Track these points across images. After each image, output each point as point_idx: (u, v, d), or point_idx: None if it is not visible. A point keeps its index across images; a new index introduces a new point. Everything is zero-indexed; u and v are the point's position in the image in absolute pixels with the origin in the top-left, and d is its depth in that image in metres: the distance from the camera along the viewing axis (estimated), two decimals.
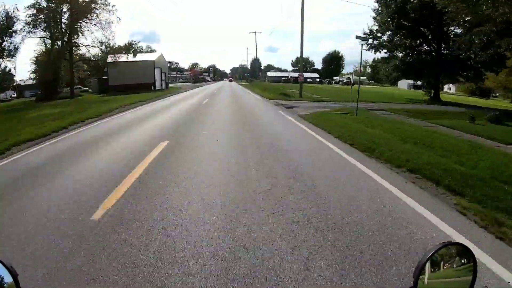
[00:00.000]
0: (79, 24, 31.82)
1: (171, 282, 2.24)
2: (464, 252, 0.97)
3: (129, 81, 36.22)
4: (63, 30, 31.91)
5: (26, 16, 29.43)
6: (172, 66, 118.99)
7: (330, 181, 4.46)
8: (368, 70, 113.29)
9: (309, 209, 3.48)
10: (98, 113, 13.31)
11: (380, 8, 26.20)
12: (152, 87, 37.38)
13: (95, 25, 30.69)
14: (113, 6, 31.05)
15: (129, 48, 59.79)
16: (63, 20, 31.62)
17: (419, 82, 62.42)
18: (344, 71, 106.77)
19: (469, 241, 2.78)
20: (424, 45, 27.77)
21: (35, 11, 29.62)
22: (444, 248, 0.95)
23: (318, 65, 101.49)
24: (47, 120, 12.21)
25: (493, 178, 4.63)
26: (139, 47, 71.16)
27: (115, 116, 12.74)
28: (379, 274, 2.34)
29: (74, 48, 33.98)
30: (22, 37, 30.65)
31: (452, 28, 26.46)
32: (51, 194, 4.09)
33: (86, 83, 52.26)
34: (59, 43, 32.57)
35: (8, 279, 0.84)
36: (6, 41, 30.65)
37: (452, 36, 25.98)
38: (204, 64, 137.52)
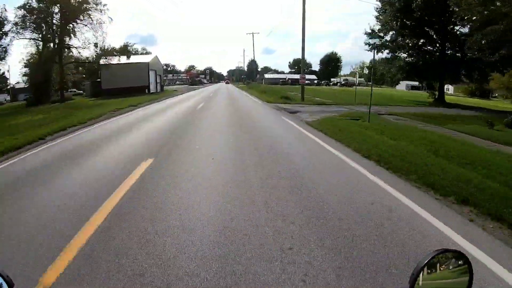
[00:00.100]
0: (71, 25, 30.59)
1: None
2: (461, 259, 0.96)
3: (123, 84, 34.98)
4: (54, 31, 30.62)
5: (15, 17, 28.19)
6: (169, 69, 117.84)
7: (373, 229, 3.14)
8: (365, 71, 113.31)
9: None
10: (83, 120, 12.10)
11: (383, 7, 25.27)
12: (147, 90, 36.14)
13: (86, 25, 29.37)
14: (104, 5, 29.80)
15: (124, 50, 58.67)
16: (54, 21, 30.40)
17: (417, 83, 62.00)
18: (341, 73, 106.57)
19: None
20: (428, 45, 26.88)
21: (25, 12, 28.47)
22: (440, 255, 0.94)
23: (316, 67, 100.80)
24: (28, 127, 11.05)
25: None
26: (135, 49, 70.08)
27: (100, 124, 11.53)
28: None
29: (66, 50, 32.76)
30: (10, 38, 29.33)
31: (457, 28, 25.72)
32: None
33: (81, 86, 50.95)
34: (51, 45, 31.40)
35: None
36: None
37: (459, 36, 25.04)
38: (200, 67, 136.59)
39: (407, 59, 27.05)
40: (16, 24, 28.38)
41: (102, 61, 32.24)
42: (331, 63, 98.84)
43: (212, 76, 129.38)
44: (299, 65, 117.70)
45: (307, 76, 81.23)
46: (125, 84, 34.96)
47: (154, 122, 11.58)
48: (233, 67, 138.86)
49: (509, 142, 8.81)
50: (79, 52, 32.39)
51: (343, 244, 2.84)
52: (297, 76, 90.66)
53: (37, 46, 31.81)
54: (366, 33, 28.16)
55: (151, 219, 3.37)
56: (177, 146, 6.95)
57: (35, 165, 5.98)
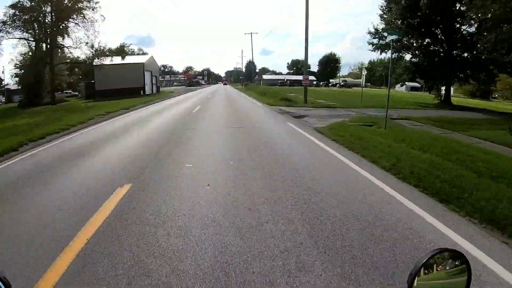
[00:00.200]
0: (63, 24, 29.32)
1: None
2: (458, 258, 0.95)
3: (117, 85, 33.75)
4: (46, 31, 29.33)
5: (3, 15, 26.96)
6: (166, 70, 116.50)
7: None
8: (364, 72, 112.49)
9: None
10: (67, 125, 10.92)
11: (388, 5, 24.26)
12: (142, 92, 34.89)
13: (77, 24, 28.12)
14: (96, 2, 28.57)
15: (121, 50, 57.48)
16: (46, 20, 29.15)
17: (416, 84, 61.07)
18: (340, 74, 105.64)
19: None
20: (434, 45, 25.88)
21: (16, 11, 27.23)
22: (438, 254, 0.93)
23: (314, 68, 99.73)
24: (7, 135, 9.84)
25: None
26: (131, 49, 68.87)
27: (85, 130, 10.33)
28: None
29: (58, 50, 31.47)
30: None
31: (464, 27, 24.77)
32: None
33: (77, 87, 49.58)
34: (43, 45, 30.12)
35: None
36: None
37: (466, 36, 24.08)
38: (200, 67, 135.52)
39: (412, 60, 26.06)
40: (4, 23, 27.08)
41: (95, 62, 30.97)
42: (330, 64, 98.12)
43: (210, 77, 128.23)
44: (297, 66, 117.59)
45: None
46: (119, 85, 33.72)
47: (144, 129, 10.37)
48: (231, 68, 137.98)
49: None
50: (71, 52, 31.15)
51: None
52: (295, 77, 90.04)
53: (29, 45, 30.58)
54: (369, 33, 27.17)
55: None
56: (164, 166, 5.59)
57: (14, 175, 5.45)
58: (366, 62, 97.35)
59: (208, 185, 4.52)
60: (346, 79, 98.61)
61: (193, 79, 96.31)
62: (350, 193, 4.24)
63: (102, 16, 31.65)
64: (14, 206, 3.95)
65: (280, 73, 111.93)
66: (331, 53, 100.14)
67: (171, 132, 9.16)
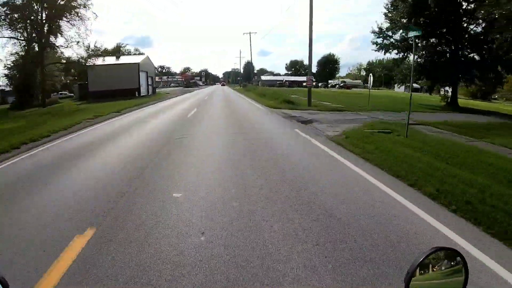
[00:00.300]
0: (57, 22, 28.05)
1: None
2: (456, 256, 0.95)
3: (111, 86, 32.52)
4: (39, 30, 28.03)
5: None
6: (164, 71, 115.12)
7: None
8: (363, 73, 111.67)
9: None
10: (47, 132, 9.72)
11: (394, 3, 23.23)
12: (137, 93, 33.63)
13: (69, 21, 26.87)
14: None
15: (117, 51, 56.15)
16: (38, 18, 27.87)
17: (416, 85, 60.28)
18: (338, 74, 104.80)
19: None
20: (441, 45, 24.90)
21: (6, 9, 25.98)
22: (435, 253, 0.93)
23: (313, 68, 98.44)
24: None
25: None
26: (127, 49, 67.52)
27: (64, 139, 9.09)
28: None
29: (50, 49, 30.12)
30: None
31: (471, 27, 23.83)
32: None
33: (73, 88, 48.18)
34: (35, 45, 28.82)
35: None
36: None
37: (473, 35, 23.12)
38: (200, 67, 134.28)
39: (418, 60, 25.04)
40: None
41: (88, 62, 29.66)
42: (329, 64, 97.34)
43: (207, 78, 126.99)
44: (296, 66, 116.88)
45: (304, 78, 79.43)
46: (113, 86, 32.50)
47: (128, 140, 8.89)
48: (229, 69, 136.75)
49: None
50: (62, 52, 29.89)
51: None
52: (294, 78, 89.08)
53: (20, 45, 29.30)
54: (373, 32, 26.17)
55: None
56: (144, 197, 4.21)
57: None
58: (364, 63, 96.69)
59: (203, 233, 3.22)
60: (345, 80, 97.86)
61: (191, 80, 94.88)
62: (381, 227, 3.19)
63: (95, 13, 30.32)
64: None
65: (278, 74, 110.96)
66: (329, 54, 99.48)
67: (163, 142, 7.95)
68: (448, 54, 24.70)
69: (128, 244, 2.98)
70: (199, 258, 2.73)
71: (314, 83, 78.69)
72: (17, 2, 26.45)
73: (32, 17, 27.55)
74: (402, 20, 23.30)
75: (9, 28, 27.00)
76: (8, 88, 48.27)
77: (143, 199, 4.16)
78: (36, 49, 28.90)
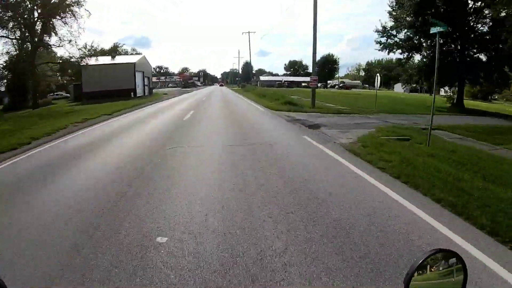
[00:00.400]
0: (51, 21, 27.03)
1: None
2: (455, 258, 0.94)
3: (107, 86, 31.54)
4: (31, 29, 27.01)
5: None
6: (162, 71, 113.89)
7: None
8: (362, 73, 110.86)
9: None
10: (27, 139, 8.77)
11: (399, 1, 22.42)
12: (132, 94, 32.64)
13: (61, 19, 25.85)
14: None
15: (113, 50, 55.03)
16: (31, 17, 26.87)
17: (415, 85, 59.60)
18: (337, 75, 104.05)
19: None
20: (447, 45, 24.10)
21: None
22: (435, 255, 0.92)
23: (311, 69, 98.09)
24: None
25: None
26: (124, 49, 66.41)
27: (45, 147, 8.11)
28: None
29: (43, 49, 29.05)
30: None
31: (479, 26, 23.06)
32: None
33: (69, 88, 47.10)
34: (28, 44, 27.80)
35: None
36: None
37: (481, 35, 22.37)
38: (200, 67, 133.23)
39: (424, 60, 24.29)
40: None
41: (82, 62, 28.61)
42: (328, 65, 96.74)
43: (206, 79, 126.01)
44: (295, 67, 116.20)
45: (303, 78, 78.58)
46: (109, 86, 31.52)
47: (114, 150, 7.72)
48: (227, 69, 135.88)
49: None
50: (55, 52, 28.89)
51: None
52: (293, 78, 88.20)
53: (13, 45, 28.27)
54: (377, 31, 25.39)
55: None
56: (125, 229, 3.26)
57: None
58: (363, 63, 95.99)
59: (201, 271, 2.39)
60: (344, 80, 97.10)
61: (189, 81, 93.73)
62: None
63: (88, 11, 29.31)
64: None
65: (277, 74, 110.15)
66: (329, 54, 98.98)
67: (152, 154, 7.00)
68: (454, 54, 23.92)
69: None
70: None
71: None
72: (10, 0, 25.47)
73: (25, 16, 26.57)
74: (407, 18, 22.52)
75: (1, 27, 25.97)
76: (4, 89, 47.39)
77: (129, 238, 3.22)
78: (30, 48, 27.91)
